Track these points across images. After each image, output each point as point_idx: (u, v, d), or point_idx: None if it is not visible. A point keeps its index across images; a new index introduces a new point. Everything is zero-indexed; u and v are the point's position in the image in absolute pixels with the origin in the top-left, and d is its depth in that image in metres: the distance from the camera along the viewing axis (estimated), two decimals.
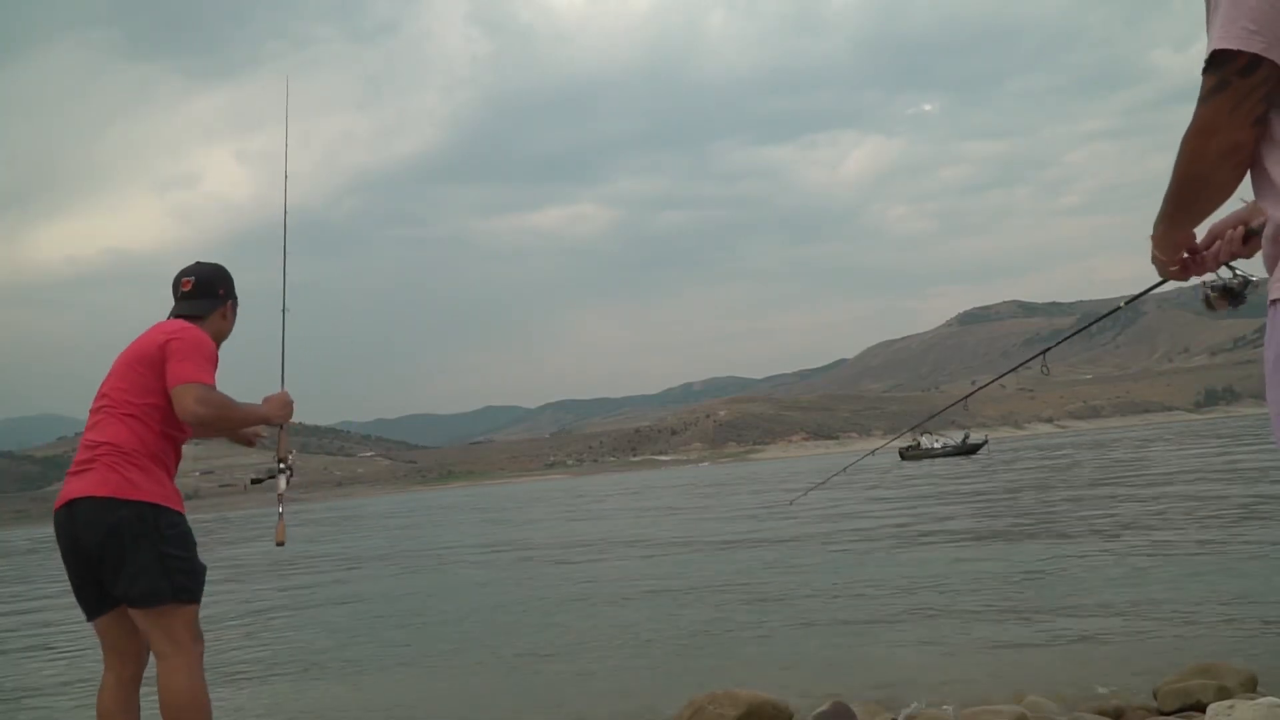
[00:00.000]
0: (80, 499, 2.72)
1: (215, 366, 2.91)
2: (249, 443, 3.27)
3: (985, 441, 68.12)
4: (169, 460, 2.88)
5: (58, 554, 2.80)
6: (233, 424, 2.97)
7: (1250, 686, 3.88)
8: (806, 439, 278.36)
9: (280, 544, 2.96)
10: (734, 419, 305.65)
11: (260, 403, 3.09)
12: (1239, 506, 12.13)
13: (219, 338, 3.06)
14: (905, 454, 65.08)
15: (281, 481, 3.07)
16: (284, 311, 3.53)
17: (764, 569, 10.02)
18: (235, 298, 3.14)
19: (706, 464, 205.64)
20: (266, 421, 3.08)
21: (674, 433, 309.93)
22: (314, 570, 15.39)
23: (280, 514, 2.98)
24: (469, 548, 17.75)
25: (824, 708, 4.02)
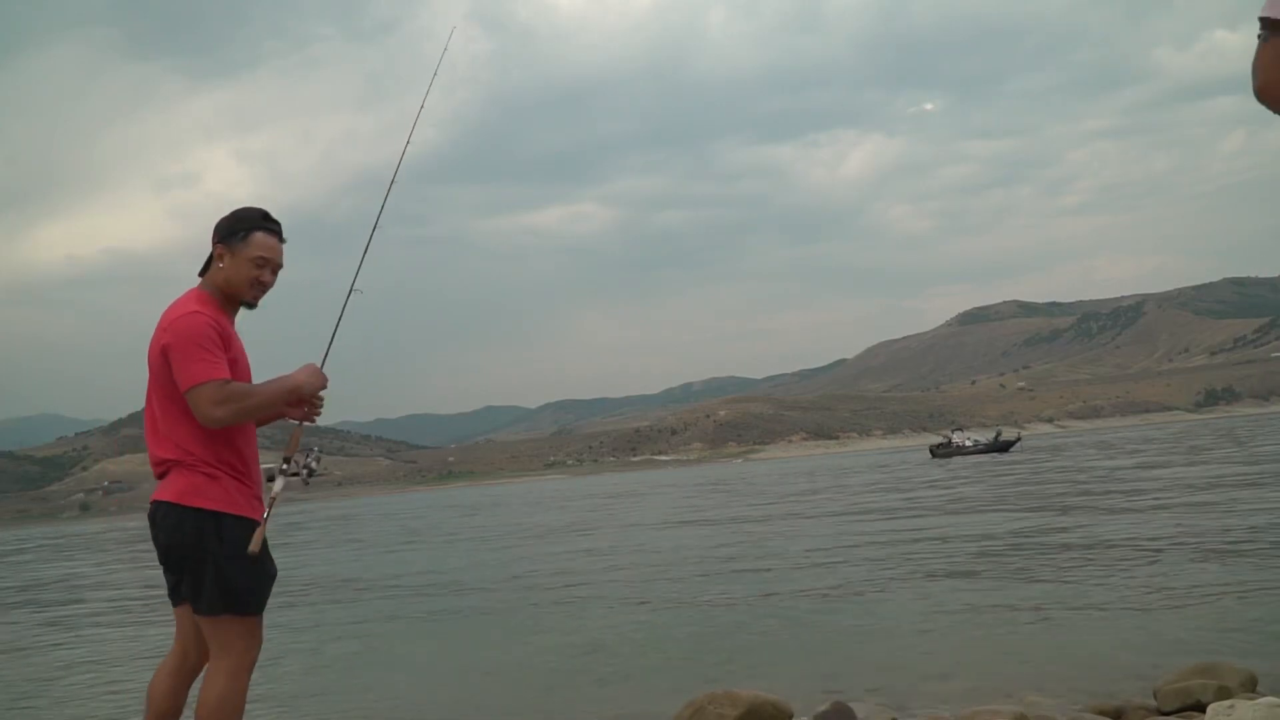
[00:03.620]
0: (159, 502, 2.78)
1: (217, 344, 2.72)
2: (308, 419, 3.04)
3: (1018, 439, 66.94)
4: (237, 460, 2.81)
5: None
6: (261, 410, 2.80)
7: (1250, 686, 3.88)
8: (806, 439, 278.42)
9: (252, 553, 2.73)
10: (734, 419, 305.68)
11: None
12: (1240, 506, 12.15)
13: (228, 288, 2.88)
14: (936, 451, 64.27)
15: (278, 483, 2.89)
16: (350, 292, 3.32)
17: (764, 567, 10.04)
18: (231, 238, 2.88)
19: (739, 460, 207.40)
20: (298, 391, 2.90)
21: (674, 433, 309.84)
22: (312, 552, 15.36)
23: (265, 519, 2.81)
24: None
25: (824, 708, 4.01)
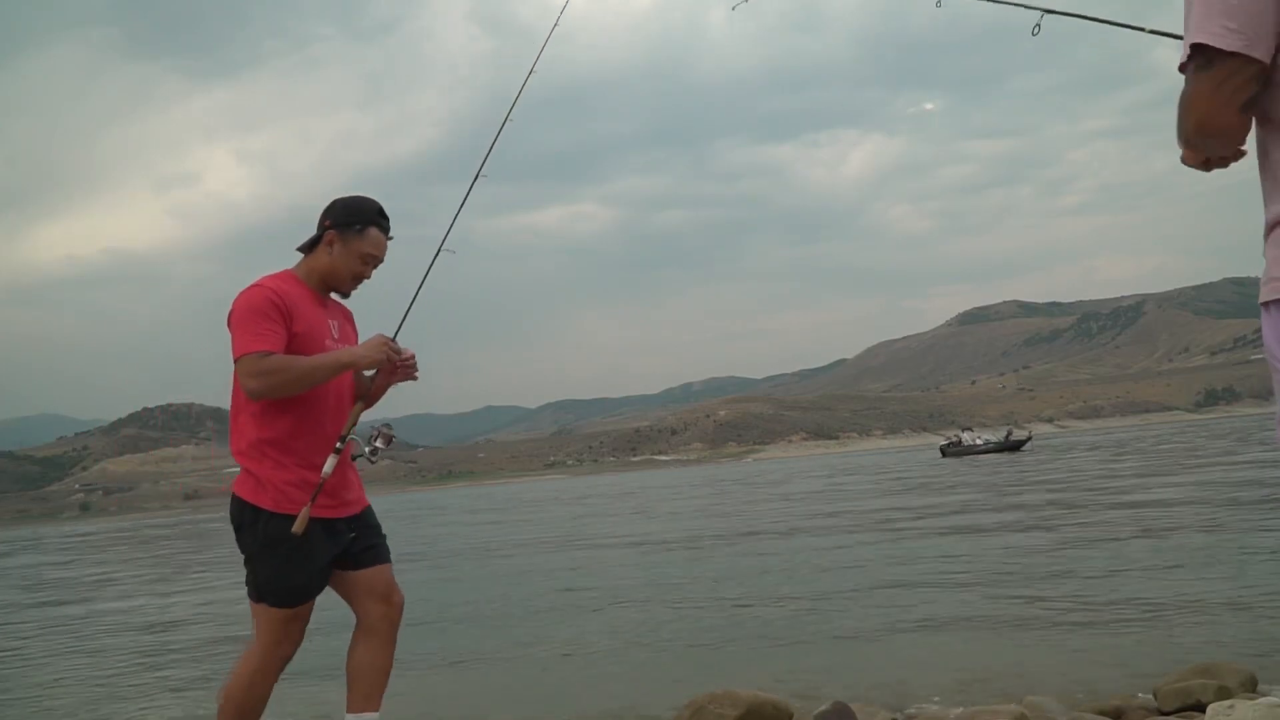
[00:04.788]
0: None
1: (269, 315, 2.66)
2: (410, 377, 2.99)
3: (1029, 438, 66.44)
4: (295, 442, 2.74)
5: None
6: (302, 383, 2.68)
7: (1250, 686, 3.87)
8: (806, 439, 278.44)
9: (295, 534, 2.65)
10: (734, 419, 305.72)
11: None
12: (1241, 505, 12.14)
13: (330, 276, 2.86)
14: (946, 450, 63.46)
15: (329, 462, 2.73)
16: (439, 251, 3.19)
17: (765, 567, 10.03)
18: (346, 228, 2.82)
19: (751, 459, 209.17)
20: (354, 366, 2.79)
21: (674, 433, 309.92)
22: None
23: (311, 502, 2.69)
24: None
25: (824, 708, 3.99)
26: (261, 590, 2.73)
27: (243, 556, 2.78)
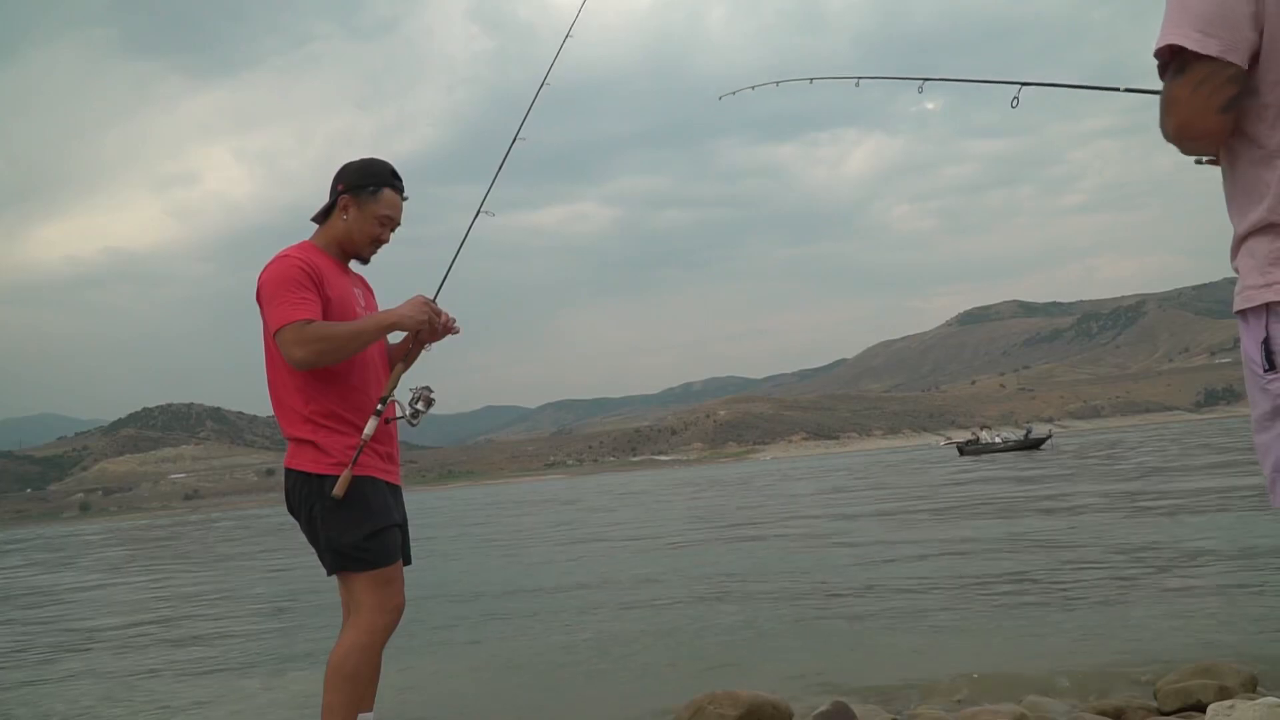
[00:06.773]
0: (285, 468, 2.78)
1: (302, 284, 2.63)
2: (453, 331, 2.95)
3: (1049, 436, 65.77)
4: (344, 410, 2.71)
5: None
6: (350, 347, 2.65)
7: (1250, 686, 3.87)
8: (806, 439, 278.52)
9: (336, 496, 2.61)
10: (734, 419, 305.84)
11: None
12: (1243, 506, 12.13)
13: (347, 241, 2.82)
14: (964, 449, 62.81)
15: (370, 424, 2.69)
16: (478, 213, 3.20)
17: (765, 568, 10.02)
18: (360, 191, 2.78)
19: (769, 457, 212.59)
20: (398, 327, 2.78)
21: (674, 432, 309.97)
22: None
23: (351, 464, 2.64)
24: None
25: (824, 708, 3.99)
26: (344, 554, 2.66)
27: (310, 537, 2.73)
